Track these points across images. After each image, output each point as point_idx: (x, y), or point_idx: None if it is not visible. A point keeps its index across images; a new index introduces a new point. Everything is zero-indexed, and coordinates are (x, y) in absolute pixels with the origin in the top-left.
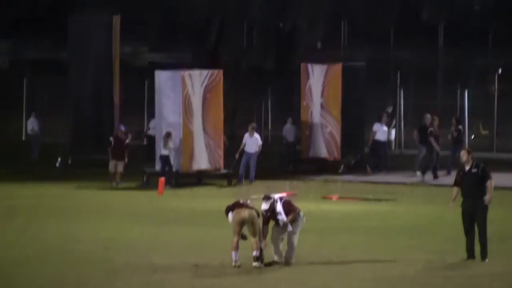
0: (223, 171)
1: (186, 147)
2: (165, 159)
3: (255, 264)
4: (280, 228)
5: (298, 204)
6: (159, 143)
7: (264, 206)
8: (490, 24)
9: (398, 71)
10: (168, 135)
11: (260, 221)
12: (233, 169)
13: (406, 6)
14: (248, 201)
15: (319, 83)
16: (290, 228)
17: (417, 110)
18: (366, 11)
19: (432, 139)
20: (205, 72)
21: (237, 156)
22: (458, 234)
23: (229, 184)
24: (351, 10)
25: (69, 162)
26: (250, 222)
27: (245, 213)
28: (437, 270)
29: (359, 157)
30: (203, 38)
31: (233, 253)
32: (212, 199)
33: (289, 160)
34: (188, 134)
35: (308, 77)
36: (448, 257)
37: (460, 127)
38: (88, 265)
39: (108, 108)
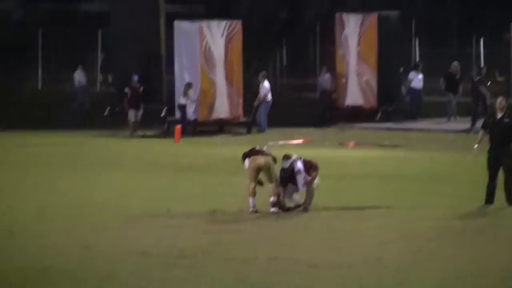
0: (242, 119)
1: (206, 97)
2: (182, 108)
3: (272, 209)
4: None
5: (315, 150)
6: (179, 92)
7: (285, 164)
8: None
9: (413, 20)
10: (188, 85)
11: (276, 168)
12: (252, 118)
13: None
14: (264, 148)
15: (355, 32)
16: (307, 187)
17: (431, 59)
18: None
19: (483, 87)
20: (223, 22)
21: (254, 104)
22: (474, 180)
23: (248, 132)
24: None
25: (117, 110)
26: (266, 168)
27: (261, 160)
28: (454, 215)
29: (398, 103)
30: None
31: (250, 199)
32: (228, 146)
33: (325, 108)
34: (208, 84)
35: (343, 27)
36: (465, 202)
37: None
38: (105, 212)
39: (152, 59)
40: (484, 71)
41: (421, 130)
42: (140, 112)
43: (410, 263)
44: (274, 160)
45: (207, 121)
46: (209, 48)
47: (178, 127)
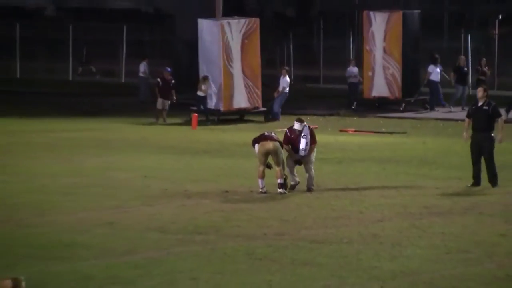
0: (261, 109)
1: (227, 88)
2: (200, 99)
3: (280, 190)
4: (294, 155)
5: (318, 136)
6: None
7: (297, 126)
8: None
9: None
10: (204, 79)
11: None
12: (270, 107)
13: None
14: (272, 134)
15: (381, 29)
16: (303, 153)
17: (426, 52)
18: None
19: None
20: (242, 20)
21: (275, 95)
22: (463, 164)
23: (267, 120)
24: None
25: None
26: (274, 153)
27: (269, 145)
28: (444, 195)
29: (418, 95)
30: None
31: (260, 181)
32: (240, 132)
33: (352, 99)
34: (228, 76)
35: (370, 24)
36: (455, 184)
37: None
38: (127, 192)
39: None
40: (483, 62)
41: (421, 118)
42: (168, 102)
43: (403, 239)
44: (281, 145)
45: (229, 110)
46: (229, 44)
47: (195, 115)
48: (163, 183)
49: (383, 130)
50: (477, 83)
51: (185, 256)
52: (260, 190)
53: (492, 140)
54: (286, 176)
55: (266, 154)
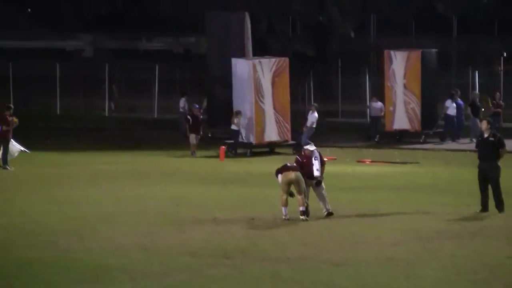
0: (290, 142)
1: (258, 122)
2: (233, 133)
3: (302, 217)
4: (307, 181)
5: (337, 166)
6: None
7: (310, 147)
8: (495, 15)
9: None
10: (236, 113)
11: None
12: (298, 140)
13: (425, 0)
14: (294, 164)
15: (401, 66)
16: (318, 174)
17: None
18: (391, 5)
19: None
20: (273, 59)
21: (304, 129)
22: (472, 191)
23: (295, 152)
24: (378, 4)
25: (209, 135)
26: (296, 182)
27: (292, 175)
28: (454, 220)
29: (437, 128)
30: (254, 29)
31: (283, 209)
32: (265, 163)
33: (374, 133)
34: (259, 111)
35: (391, 62)
36: (464, 210)
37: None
38: (161, 219)
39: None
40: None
41: (431, 149)
42: (199, 136)
43: (416, 261)
44: (303, 174)
45: (261, 143)
46: (260, 81)
47: (222, 147)
48: (193, 211)
49: (397, 160)
50: (494, 115)
51: (215, 278)
52: (284, 217)
53: (498, 169)
54: (307, 204)
55: (289, 183)
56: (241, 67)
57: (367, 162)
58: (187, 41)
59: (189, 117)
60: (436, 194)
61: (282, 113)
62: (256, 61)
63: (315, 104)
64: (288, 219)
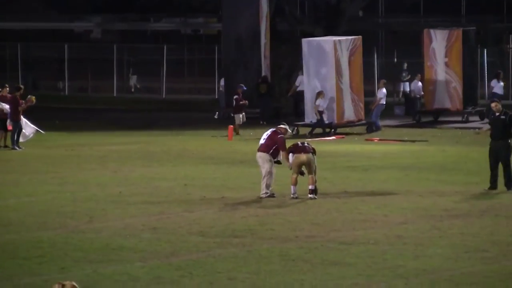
0: (363, 121)
1: (339, 103)
2: (319, 114)
3: (310, 196)
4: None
5: (346, 145)
6: (308, 98)
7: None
8: None
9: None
10: (319, 94)
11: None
12: (370, 119)
13: None
14: (306, 144)
15: (442, 45)
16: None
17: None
18: None
19: None
20: (350, 38)
21: (372, 107)
22: (481, 170)
23: (369, 131)
24: None
25: (224, 115)
26: (308, 164)
27: (303, 157)
28: (463, 199)
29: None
30: None
31: (292, 187)
32: None
33: (415, 112)
34: (339, 91)
35: (431, 41)
36: (473, 188)
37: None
38: (170, 199)
39: (251, 71)
40: None
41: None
42: (244, 116)
43: (425, 240)
44: (314, 152)
45: (341, 123)
46: (339, 61)
47: (231, 127)
48: (202, 191)
49: (406, 138)
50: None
51: (224, 258)
52: (292, 195)
53: (509, 147)
54: (317, 183)
55: (300, 165)
56: (317, 46)
57: (376, 141)
58: (195, 22)
59: (237, 97)
60: (444, 173)
61: (357, 93)
62: (336, 40)
63: (384, 80)
64: (296, 198)
